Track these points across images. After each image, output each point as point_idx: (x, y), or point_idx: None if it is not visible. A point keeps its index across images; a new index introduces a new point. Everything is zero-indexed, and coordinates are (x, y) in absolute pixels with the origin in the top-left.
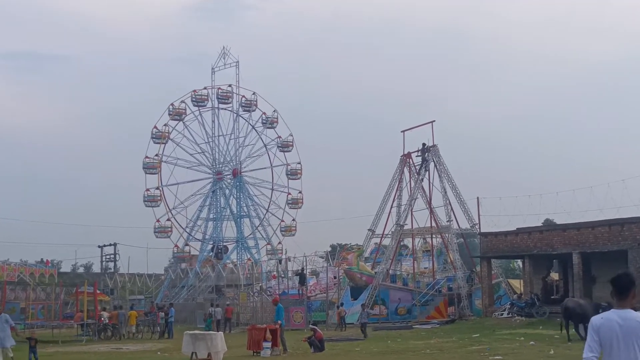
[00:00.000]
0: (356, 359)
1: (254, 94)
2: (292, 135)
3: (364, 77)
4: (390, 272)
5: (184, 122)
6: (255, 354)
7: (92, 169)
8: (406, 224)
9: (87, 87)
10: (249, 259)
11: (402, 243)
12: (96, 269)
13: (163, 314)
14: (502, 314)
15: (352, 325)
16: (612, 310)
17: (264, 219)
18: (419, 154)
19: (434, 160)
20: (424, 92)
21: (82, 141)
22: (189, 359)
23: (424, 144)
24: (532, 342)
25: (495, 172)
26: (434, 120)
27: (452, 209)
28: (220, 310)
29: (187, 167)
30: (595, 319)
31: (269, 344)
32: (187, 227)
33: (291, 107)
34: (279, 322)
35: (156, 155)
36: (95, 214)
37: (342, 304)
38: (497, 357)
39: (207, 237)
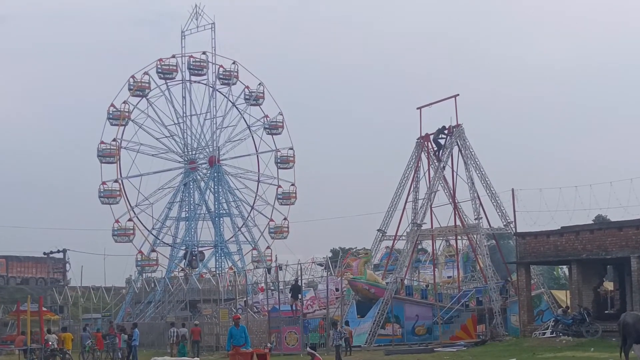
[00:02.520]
0: None
1: (234, 63)
2: (282, 115)
3: (370, 45)
4: (406, 282)
5: (147, 99)
6: None
7: (31, 158)
8: (425, 223)
9: (23, 55)
10: (230, 268)
11: (419, 246)
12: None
13: (125, 336)
14: (544, 333)
15: (359, 348)
16: None
17: (249, 218)
18: (439, 136)
19: (458, 144)
20: (443, 64)
21: (16, 121)
22: None
23: (443, 127)
24: None
25: (534, 158)
26: (458, 95)
27: (481, 203)
28: (185, 332)
29: (153, 155)
30: None
31: None
32: (153, 228)
33: (280, 79)
34: (269, 346)
35: (114, 140)
36: (38, 213)
37: (347, 323)
38: None
39: (178, 240)
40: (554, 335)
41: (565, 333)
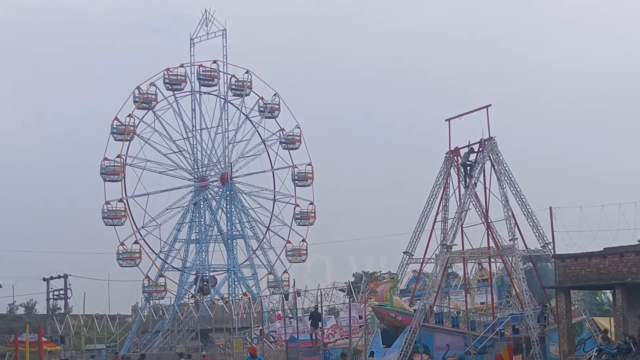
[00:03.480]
0: None
1: (247, 72)
2: (299, 128)
3: (393, 50)
4: (435, 309)
5: (154, 112)
6: None
7: (28, 175)
8: (455, 245)
9: (17, 62)
10: (244, 294)
11: (450, 270)
12: (41, 309)
13: None
14: None
15: None
16: None
17: (264, 240)
18: (467, 159)
19: (490, 159)
20: (473, 70)
21: (10, 135)
22: None
23: (471, 149)
24: None
25: (574, 173)
26: (489, 105)
27: (516, 223)
28: None
29: (160, 172)
30: None
31: None
32: (161, 252)
33: (297, 89)
34: None
35: (118, 156)
36: (38, 236)
37: (371, 354)
38: None
39: (188, 265)
40: None
41: None
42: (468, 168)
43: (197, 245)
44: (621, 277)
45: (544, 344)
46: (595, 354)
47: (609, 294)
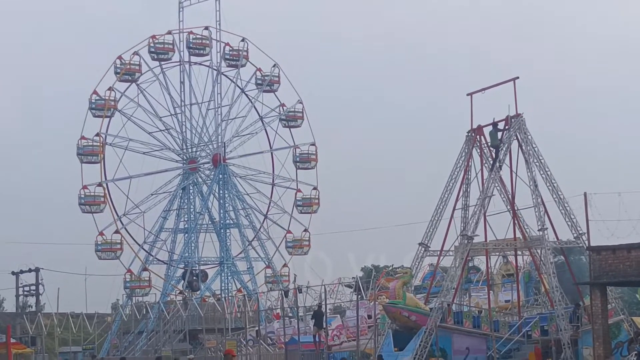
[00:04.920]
0: None
1: (243, 40)
2: (301, 103)
3: (406, 17)
4: (454, 307)
5: (138, 85)
6: None
7: None
8: (477, 235)
9: None
10: (239, 290)
11: (470, 264)
12: (9, 306)
13: None
14: None
15: None
16: None
17: (261, 230)
18: (496, 131)
19: (517, 138)
20: (498, 38)
21: None
22: None
23: (496, 127)
24: None
25: (611, 156)
26: (517, 78)
27: (546, 211)
28: None
29: (144, 153)
30: None
31: None
32: (145, 242)
33: (299, 60)
34: None
35: (97, 134)
36: (6, 224)
37: (380, 358)
38: None
39: (175, 257)
40: None
41: None
42: (500, 150)
43: (186, 235)
44: None
45: (577, 347)
46: (635, 358)
47: None
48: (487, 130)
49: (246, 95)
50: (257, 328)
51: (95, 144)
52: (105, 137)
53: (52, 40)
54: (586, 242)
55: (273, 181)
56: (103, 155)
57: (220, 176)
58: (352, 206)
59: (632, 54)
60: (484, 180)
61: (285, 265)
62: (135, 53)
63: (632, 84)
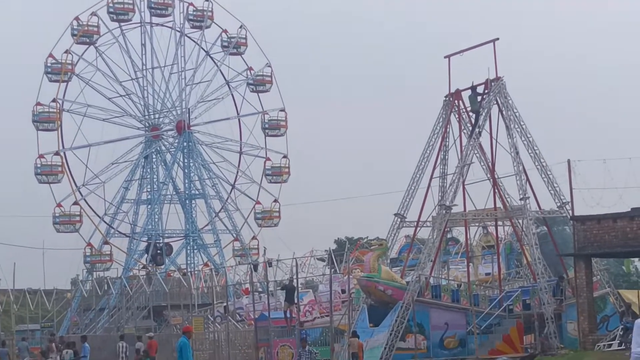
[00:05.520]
0: None
1: (207, 0)
2: (270, 66)
3: None
4: (432, 281)
5: (96, 47)
6: None
7: None
8: (456, 205)
9: None
10: (206, 264)
11: (449, 235)
12: None
13: (71, 352)
14: (610, 345)
15: None
16: None
17: (229, 201)
18: (475, 95)
19: (498, 103)
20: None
21: None
22: None
23: (474, 91)
24: None
25: (596, 121)
26: (497, 39)
27: (527, 179)
28: (141, 346)
29: (104, 120)
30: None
31: None
32: (105, 214)
33: (267, 22)
34: None
35: (53, 100)
36: None
37: (354, 333)
38: None
39: (138, 230)
40: (623, 347)
41: None
42: (479, 116)
43: (149, 206)
44: None
45: (560, 322)
46: (621, 332)
47: (637, 262)
48: (465, 95)
49: (211, 58)
50: (225, 304)
51: (51, 110)
52: (63, 103)
53: None
54: (570, 211)
55: (241, 149)
56: (60, 122)
57: (185, 144)
58: (324, 175)
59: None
60: (463, 147)
61: (254, 237)
62: (93, 14)
63: (624, 46)
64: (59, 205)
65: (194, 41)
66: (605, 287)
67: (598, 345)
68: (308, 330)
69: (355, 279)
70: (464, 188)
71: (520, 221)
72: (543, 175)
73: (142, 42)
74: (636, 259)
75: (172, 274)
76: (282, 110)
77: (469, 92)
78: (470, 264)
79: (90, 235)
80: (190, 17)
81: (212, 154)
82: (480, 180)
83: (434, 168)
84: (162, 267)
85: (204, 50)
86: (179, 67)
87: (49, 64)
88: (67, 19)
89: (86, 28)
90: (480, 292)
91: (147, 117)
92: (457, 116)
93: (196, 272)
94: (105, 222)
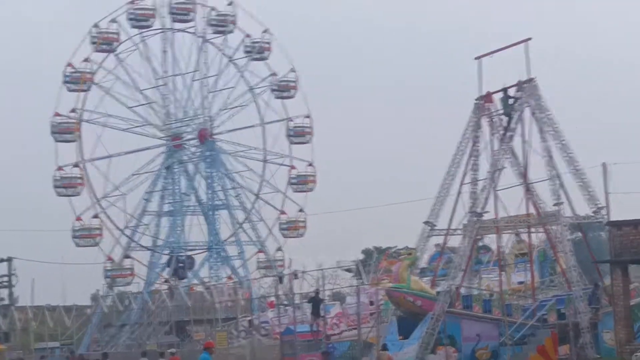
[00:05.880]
0: None
1: (230, 4)
2: (294, 71)
3: None
4: (463, 291)
5: (116, 55)
6: None
7: None
8: (487, 212)
9: None
10: (229, 277)
11: (480, 243)
12: None
13: None
14: None
15: None
16: None
17: (253, 211)
18: (507, 97)
19: (530, 105)
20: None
21: None
22: None
23: (506, 90)
24: None
25: (632, 122)
26: (530, 39)
27: (561, 183)
28: None
29: (125, 129)
30: None
31: None
32: (126, 227)
33: (292, 26)
34: None
35: (73, 110)
36: None
37: (384, 347)
38: None
39: (159, 242)
40: None
41: None
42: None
43: (171, 218)
44: None
45: (596, 331)
46: None
47: None
48: (497, 97)
49: (234, 64)
50: (249, 318)
51: (70, 120)
52: (82, 113)
53: (21, 8)
54: (606, 216)
55: (265, 157)
56: (79, 133)
57: (208, 153)
58: (351, 183)
59: None
60: (494, 152)
61: (279, 249)
62: (113, 20)
63: None
64: (78, 218)
65: (216, 47)
66: None
67: (636, 355)
68: (335, 344)
69: (383, 290)
70: (495, 194)
71: (554, 227)
72: (577, 180)
73: (163, 49)
74: None
75: (194, 288)
76: (308, 116)
77: (500, 94)
78: (503, 272)
79: (111, 249)
80: (212, 22)
81: (235, 163)
82: (513, 185)
83: (464, 174)
84: (185, 280)
85: (227, 56)
86: (201, 74)
87: (67, 73)
88: (86, 26)
89: (105, 35)
90: (513, 302)
91: (168, 126)
92: (488, 120)
93: (220, 285)
94: (126, 235)
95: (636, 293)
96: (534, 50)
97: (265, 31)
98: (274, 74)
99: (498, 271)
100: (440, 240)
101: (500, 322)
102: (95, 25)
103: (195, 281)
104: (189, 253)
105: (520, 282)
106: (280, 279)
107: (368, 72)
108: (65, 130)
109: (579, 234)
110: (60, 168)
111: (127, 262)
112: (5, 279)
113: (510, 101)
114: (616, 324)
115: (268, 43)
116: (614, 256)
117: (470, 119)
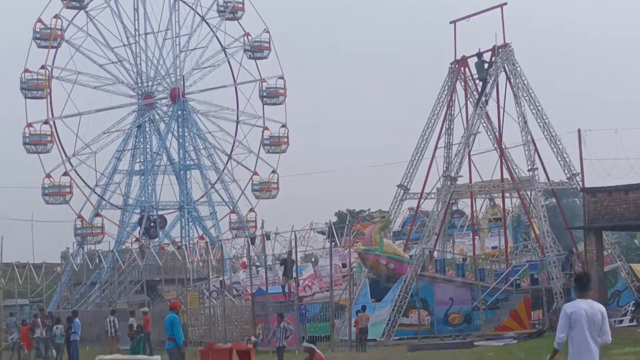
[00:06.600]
0: None
1: None
2: (268, 32)
3: None
4: (436, 255)
5: (87, 12)
6: None
7: None
8: (461, 176)
9: None
10: (201, 237)
11: (454, 207)
12: None
13: (61, 327)
14: (621, 321)
15: (374, 342)
16: (578, 300)
17: (225, 171)
18: (482, 62)
19: (505, 70)
20: None
21: None
22: None
23: (481, 59)
24: None
25: (607, 90)
26: (505, 3)
27: (536, 149)
28: (133, 322)
29: (95, 87)
30: (568, 307)
31: None
32: (97, 185)
33: None
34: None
35: (42, 67)
36: None
37: (363, 308)
38: None
39: (130, 201)
40: (635, 323)
41: None
42: (486, 84)
43: (142, 177)
44: None
45: (569, 297)
46: (633, 308)
47: None
48: (472, 62)
49: (207, 23)
50: (221, 278)
51: (40, 77)
52: (52, 70)
53: None
54: (580, 183)
55: (237, 118)
56: (49, 89)
57: (179, 112)
58: (324, 145)
59: None
60: (469, 117)
61: (251, 209)
62: None
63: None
64: (48, 175)
65: (188, 5)
66: (616, 261)
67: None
68: (307, 306)
69: (356, 252)
70: (469, 158)
71: (528, 193)
72: (552, 146)
73: (135, 7)
74: None
75: (166, 248)
76: (281, 77)
77: (475, 59)
78: (476, 237)
79: (81, 207)
80: None
81: (207, 123)
82: (487, 150)
83: (439, 138)
84: (156, 240)
85: (199, 15)
86: (173, 33)
87: (37, 30)
88: None
89: None
90: (486, 267)
91: (140, 84)
92: (463, 84)
93: (191, 245)
94: (96, 193)
95: (610, 259)
96: (509, 16)
97: None
98: (247, 35)
99: (472, 236)
100: (413, 204)
101: (473, 286)
102: None
103: (167, 241)
104: (160, 212)
105: (494, 247)
106: (253, 240)
107: (342, 34)
108: (35, 87)
109: (553, 199)
110: (29, 125)
111: (97, 221)
112: None
113: (486, 66)
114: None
115: (241, 3)
116: (587, 222)
117: (445, 82)
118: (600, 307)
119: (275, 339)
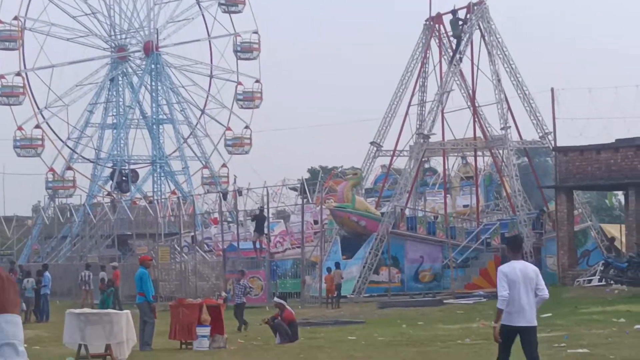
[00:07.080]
0: (349, 355)
1: None
2: None
3: None
4: (408, 212)
5: None
6: (184, 346)
7: None
8: (434, 134)
9: None
10: (173, 192)
11: (426, 165)
12: None
13: (32, 281)
14: (590, 280)
15: (345, 299)
16: (512, 261)
17: (198, 126)
18: (457, 19)
19: (480, 28)
20: None
21: None
22: (74, 354)
23: (456, 16)
24: (637, 326)
25: (581, 48)
26: None
27: (509, 108)
28: (104, 276)
29: (68, 39)
30: (504, 268)
31: (206, 330)
32: (69, 139)
33: None
34: (223, 295)
35: (15, 18)
36: None
37: (337, 265)
38: (580, 351)
39: (102, 155)
40: (603, 283)
41: (618, 280)
42: (461, 41)
43: (115, 131)
44: (637, 176)
45: (540, 257)
46: (602, 268)
47: (620, 195)
48: (447, 19)
49: None
50: (192, 233)
51: (12, 28)
52: (25, 20)
53: None
54: (552, 142)
55: (211, 72)
56: (22, 41)
57: (153, 66)
58: (298, 101)
59: None
60: (443, 74)
61: (224, 165)
62: None
63: None
64: (19, 128)
65: None
66: (586, 220)
67: (578, 281)
68: (278, 262)
69: (328, 209)
70: (442, 116)
71: (501, 151)
72: (525, 104)
73: None
74: (619, 192)
75: (137, 202)
76: (255, 32)
77: (450, 16)
78: (448, 195)
79: (53, 160)
80: None
81: (181, 77)
82: (460, 108)
83: (412, 95)
84: (128, 194)
85: None
86: None
87: None
88: None
89: None
90: (457, 225)
91: (113, 37)
92: (437, 41)
93: (163, 200)
94: (68, 146)
95: (580, 219)
96: None
97: None
98: None
99: (443, 194)
100: (386, 161)
101: (444, 244)
102: None
103: (139, 195)
104: (133, 167)
105: (465, 205)
106: (224, 196)
107: None
108: (7, 38)
109: (525, 159)
110: (1, 76)
111: (69, 174)
112: None
113: (460, 23)
114: (559, 249)
115: None
116: (559, 182)
117: (419, 39)
118: (534, 267)
119: (235, 297)
